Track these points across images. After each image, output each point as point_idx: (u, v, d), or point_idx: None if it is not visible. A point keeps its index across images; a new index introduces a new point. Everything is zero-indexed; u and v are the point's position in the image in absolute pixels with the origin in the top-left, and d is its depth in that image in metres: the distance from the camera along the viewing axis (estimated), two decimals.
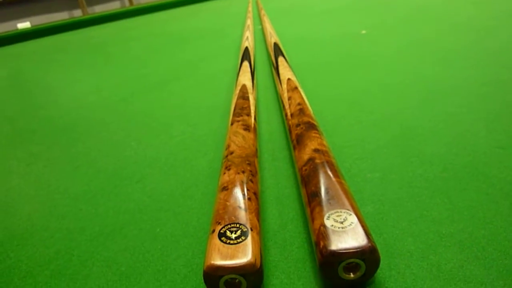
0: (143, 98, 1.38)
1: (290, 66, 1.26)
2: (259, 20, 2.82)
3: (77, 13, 6.32)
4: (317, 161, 0.64)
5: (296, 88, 1.02)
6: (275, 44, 1.60)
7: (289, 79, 1.10)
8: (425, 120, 0.91)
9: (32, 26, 4.48)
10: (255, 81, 1.21)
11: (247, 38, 1.83)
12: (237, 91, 1.06)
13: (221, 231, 0.51)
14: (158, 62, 1.96)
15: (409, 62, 1.38)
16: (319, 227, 0.50)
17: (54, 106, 1.44)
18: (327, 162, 0.63)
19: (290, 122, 0.84)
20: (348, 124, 0.94)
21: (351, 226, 0.49)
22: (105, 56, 2.36)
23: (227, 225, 0.52)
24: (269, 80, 1.36)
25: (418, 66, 1.30)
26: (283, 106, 0.96)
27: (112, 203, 0.75)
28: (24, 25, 4.57)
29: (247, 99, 0.99)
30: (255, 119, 0.90)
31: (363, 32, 1.88)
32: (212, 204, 0.58)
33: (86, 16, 4.84)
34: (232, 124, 0.85)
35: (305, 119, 0.82)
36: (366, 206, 0.63)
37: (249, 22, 2.42)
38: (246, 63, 1.35)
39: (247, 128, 0.82)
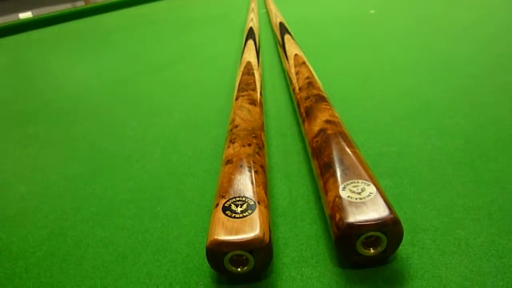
0: (145, 80, 1.33)
1: (297, 44, 1.20)
2: (263, 4, 2.75)
3: (80, 4, 6.28)
4: (329, 132, 0.59)
5: (304, 63, 0.97)
6: (281, 24, 1.54)
7: (296, 54, 1.05)
8: (441, 93, 0.86)
9: (33, 16, 4.43)
10: (260, 58, 1.15)
11: (252, 19, 1.77)
12: (242, 68, 1.00)
13: (226, 205, 0.46)
14: (161, 46, 1.90)
15: (420, 38, 1.31)
16: (334, 199, 0.45)
17: (54, 90, 1.40)
18: (340, 132, 0.58)
19: (298, 96, 0.79)
20: (360, 100, 0.89)
21: (369, 197, 0.44)
22: (108, 42, 2.31)
23: (232, 198, 0.47)
24: (275, 58, 1.31)
25: (430, 42, 1.24)
26: (290, 81, 0.90)
27: (110, 183, 0.71)
28: (25, 15, 4.53)
29: (252, 75, 0.94)
30: (260, 94, 0.84)
31: (372, 11, 1.80)
32: (216, 181, 0.54)
33: (89, 5, 4.79)
34: (237, 99, 0.80)
35: (314, 91, 0.76)
36: (383, 180, 0.58)
37: (253, 5, 2.35)
38: (251, 42, 1.29)
39: (252, 102, 0.77)
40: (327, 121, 0.62)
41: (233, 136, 0.63)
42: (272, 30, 1.67)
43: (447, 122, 0.73)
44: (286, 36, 1.29)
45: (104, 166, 0.77)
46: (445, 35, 1.28)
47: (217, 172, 0.68)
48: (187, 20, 2.65)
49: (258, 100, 0.80)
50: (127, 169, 0.74)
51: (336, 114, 0.66)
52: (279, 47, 1.29)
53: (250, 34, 1.44)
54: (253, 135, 0.63)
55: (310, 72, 0.89)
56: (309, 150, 0.60)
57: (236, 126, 0.66)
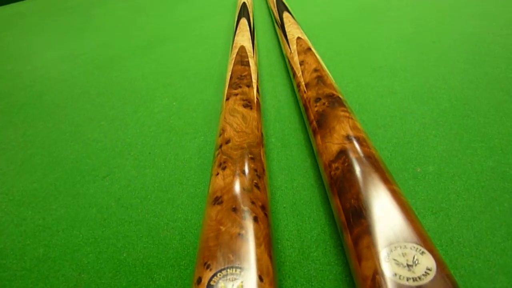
0: (122, 65, 1.14)
1: (298, 23, 1.02)
2: None
3: None
4: (354, 155, 0.43)
5: (309, 49, 0.79)
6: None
7: (299, 38, 0.87)
8: (481, 89, 0.70)
9: None
10: (255, 42, 0.97)
11: None
12: (234, 55, 0.83)
13: (212, 282, 0.31)
14: (144, 23, 1.70)
15: (446, 17, 1.13)
16: (373, 276, 0.30)
17: (15, 77, 1.21)
18: (369, 157, 0.43)
19: (305, 96, 0.62)
20: (378, 96, 0.73)
21: (428, 277, 0.29)
22: (85, 18, 2.08)
23: (221, 270, 0.32)
24: (273, 40, 1.13)
25: (457, 22, 1.07)
26: (294, 73, 0.74)
27: (66, 209, 0.55)
28: None
29: (247, 64, 0.77)
30: (258, 91, 0.68)
31: None
32: (202, 215, 0.38)
33: None
34: (227, 98, 0.63)
35: (327, 90, 0.60)
36: (423, 218, 0.43)
37: None
38: (244, 21, 1.11)
39: (248, 104, 0.60)
40: (349, 138, 0.46)
41: (224, 158, 0.47)
42: (268, 6, 1.47)
43: (495, 131, 0.57)
44: (285, 14, 1.11)
45: (62, 184, 0.61)
46: (472, 13, 1.11)
47: (203, 200, 0.53)
48: None
49: (255, 100, 0.63)
50: (90, 190, 0.59)
51: (360, 125, 0.50)
52: (277, 27, 1.11)
53: (243, 11, 1.25)
54: (250, 155, 0.47)
55: (318, 62, 0.72)
56: (326, 178, 0.45)
57: (228, 141, 0.50)
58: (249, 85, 0.67)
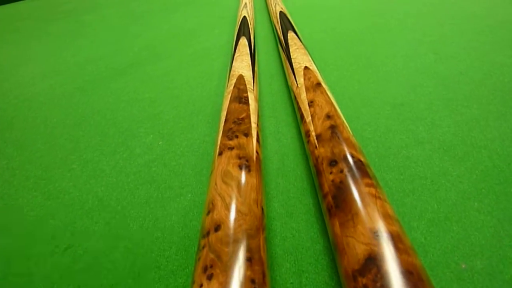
0: (107, 87, 1.02)
1: (305, 46, 0.90)
2: None
3: None
4: (386, 266, 0.31)
5: (319, 84, 0.67)
6: (282, 14, 1.23)
7: (307, 68, 0.75)
8: None
9: None
10: (256, 69, 0.85)
11: (245, 5, 1.45)
12: (231, 87, 0.71)
13: None
14: (136, 34, 1.57)
15: (471, 41, 1.01)
16: None
17: None
18: (409, 272, 0.30)
19: (316, 153, 0.50)
20: (402, 146, 0.61)
21: None
22: (76, 25, 1.95)
23: None
24: (277, 64, 1.01)
25: (486, 49, 0.95)
26: (302, 115, 0.62)
27: None
28: None
29: (246, 101, 0.65)
30: (258, 140, 0.56)
31: None
32: None
33: None
34: (220, 153, 0.51)
35: (344, 149, 0.48)
36: None
37: None
38: (243, 41, 0.99)
39: (246, 163, 0.48)
40: (380, 235, 0.34)
41: (211, 257, 0.35)
42: (271, 22, 1.35)
43: None
44: (290, 35, 0.99)
45: (11, 255, 0.49)
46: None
47: None
48: (168, 1, 2.30)
49: (255, 155, 0.51)
50: (45, 268, 0.46)
51: (391, 210, 0.38)
52: (281, 50, 0.98)
53: (243, 28, 1.13)
54: (247, 254, 0.35)
55: (331, 104, 0.60)
56: None
57: (218, 227, 0.38)
58: (248, 134, 0.55)
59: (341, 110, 0.62)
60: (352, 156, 0.47)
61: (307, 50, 0.88)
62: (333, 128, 0.53)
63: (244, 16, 1.26)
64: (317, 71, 0.75)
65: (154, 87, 0.97)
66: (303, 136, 0.60)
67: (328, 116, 0.57)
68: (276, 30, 1.11)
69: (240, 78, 0.76)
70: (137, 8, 2.12)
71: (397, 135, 0.63)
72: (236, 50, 0.93)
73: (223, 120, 0.61)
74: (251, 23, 1.20)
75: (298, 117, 0.65)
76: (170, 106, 0.85)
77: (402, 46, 1.01)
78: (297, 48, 0.88)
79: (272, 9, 1.36)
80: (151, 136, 0.74)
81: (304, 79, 0.71)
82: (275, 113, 0.76)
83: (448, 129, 0.64)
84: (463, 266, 0.40)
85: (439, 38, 1.03)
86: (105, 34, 1.61)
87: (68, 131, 0.81)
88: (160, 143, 0.71)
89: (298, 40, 0.94)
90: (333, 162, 0.46)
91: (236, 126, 0.58)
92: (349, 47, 1.05)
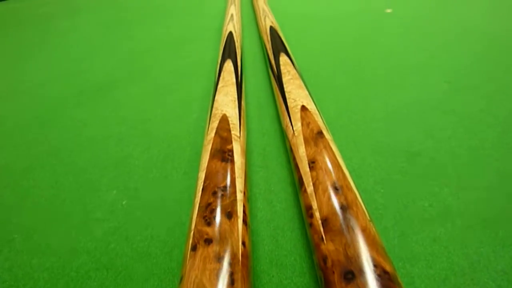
0: (68, 118, 0.87)
1: (299, 75, 0.77)
2: None
3: None
4: None
5: (321, 134, 0.55)
6: (272, 30, 1.09)
7: (304, 108, 0.62)
8: None
9: None
10: (243, 104, 0.72)
11: (232, 17, 1.32)
12: (212, 135, 0.58)
13: None
14: (111, 47, 1.42)
15: (469, 54, 0.90)
16: None
17: None
18: None
19: (324, 249, 0.38)
20: (429, 231, 0.48)
21: None
22: (47, 33, 1.78)
23: None
24: (267, 95, 0.87)
25: (497, 70, 0.84)
26: (300, 180, 0.49)
27: None
28: None
29: (230, 158, 0.52)
30: (245, 222, 0.42)
31: (388, 11, 1.37)
32: None
33: None
34: (194, 247, 0.38)
35: (365, 252, 0.35)
36: None
37: None
38: (229, 65, 0.86)
39: (229, 273, 0.35)
40: None
41: None
42: (261, 39, 1.21)
43: None
44: (282, 59, 0.86)
45: None
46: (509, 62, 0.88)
47: None
48: (147, 8, 2.14)
49: (240, 251, 0.38)
50: None
51: None
52: (272, 78, 0.85)
53: (229, 47, 0.99)
54: None
55: (339, 167, 0.47)
56: None
57: None
58: (231, 213, 0.42)
59: (344, 159, 0.50)
60: (375, 265, 0.34)
61: (303, 80, 0.75)
62: (344, 210, 0.40)
63: (230, 32, 1.12)
64: (317, 112, 0.62)
65: (124, 118, 0.82)
66: (303, 210, 0.46)
67: (336, 188, 0.44)
68: (267, 51, 0.98)
69: (224, 119, 0.63)
70: (117, 15, 1.97)
71: (418, 201, 0.51)
72: (220, 79, 0.79)
73: (200, 188, 0.47)
74: (238, 41, 1.07)
75: (295, 180, 0.52)
76: (140, 148, 0.71)
77: (410, 72, 0.89)
78: (291, 78, 0.75)
79: (262, 23, 1.22)
80: (115, 191, 0.60)
81: (302, 124, 0.58)
82: (265, 161, 0.63)
83: (478, 193, 0.51)
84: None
85: (449, 61, 0.92)
86: (78, 45, 1.45)
87: (14, 180, 0.67)
88: (124, 203, 0.58)
89: (292, 67, 0.81)
90: (349, 275, 0.33)
91: (217, 199, 0.44)
92: (348, 72, 0.92)
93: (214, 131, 0.60)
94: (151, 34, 1.49)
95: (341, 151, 0.60)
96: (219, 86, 0.76)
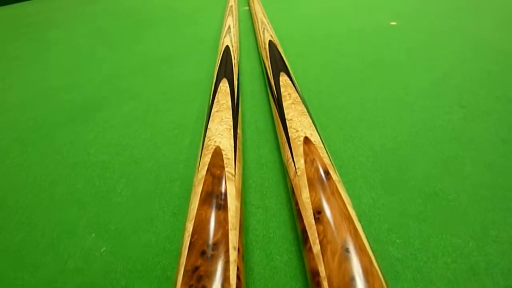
0: (50, 141, 0.81)
1: (301, 99, 0.71)
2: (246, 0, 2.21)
3: None
4: None
5: (328, 175, 0.48)
6: (271, 45, 1.03)
7: (307, 140, 0.56)
8: None
9: None
10: (239, 133, 0.65)
11: (229, 29, 1.25)
12: (203, 173, 0.51)
13: None
14: (100, 60, 1.35)
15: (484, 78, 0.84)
16: None
17: None
18: None
19: None
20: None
21: None
22: (34, 45, 1.71)
23: None
24: (265, 120, 0.80)
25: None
26: (304, 234, 0.42)
27: None
28: None
29: (223, 204, 0.45)
30: None
31: (393, 23, 1.31)
32: None
33: None
34: None
35: None
36: None
37: (232, 1, 1.81)
38: (224, 86, 0.79)
39: None
40: None
41: None
42: (259, 54, 1.15)
43: None
44: (283, 80, 0.79)
45: None
46: None
47: None
48: (140, 17, 2.08)
49: None
50: None
51: None
52: (271, 100, 0.78)
53: (225, 63, 0.93)
54: None
55: (351, 221, 0.41)
56: None
57: None
58: (223, 283, 0.35)
59: (353, 198, 0.43)
60: None
61: (305, 105, 0.68)
62: (358, 281, 0.33)
63: (227, 46, 1.06)
64: (321, 145, 0.55)
65: (109, 144, 0.75)
66: (308, 274, 0.39)
67: (347, 251, 0.37)
68: (266, 69, 0.91)
69: (217, 153, 0.56)
70: (107, 25, 1.91)
71: (439, 256, 0.44)
72: (214, 102, 0.72)
73: (187, 244, 0.40)
74: (235, 56, 1.00)
75: (298, 230, 0.45)
76: (125, 179, 0.64)
77: (419, 93, 0.82)
78: (293, 103, 0.68)
79: (260, 37, 1.16)
80: (93, 234, 0.53)
81: (306, 161, 0.51)
82: (264, 200, 0.56)
83: (508, 247, 0.44)
84: None
85: (462, 82, 0.85)
86: (66, 58, 1.39)
87: None
88: (103, 250, 0.50)
89: (293, 89, 0.74)
90: None
91: (206, 262, 0.37)
92: (352, 93, 0.86)
93: (206, 167, 0.53)
94: (143, 46, 1.42)
95: (349, 188, 0.54)
96: (213, 111, 0.69)
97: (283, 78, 0.80)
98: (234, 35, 1.19)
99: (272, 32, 1.15)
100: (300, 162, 0.52)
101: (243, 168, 0.62)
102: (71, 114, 0.90)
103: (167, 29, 1.66)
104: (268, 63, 0.92)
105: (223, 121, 0.65)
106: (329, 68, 1.00)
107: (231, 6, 1.66)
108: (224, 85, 0.80)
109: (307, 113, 0.66)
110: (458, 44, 1.08)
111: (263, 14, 1.38)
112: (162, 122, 0.82)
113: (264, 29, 1.20)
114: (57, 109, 0.94)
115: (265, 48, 1.03)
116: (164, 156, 0.70)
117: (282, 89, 0.75)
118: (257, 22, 1.30)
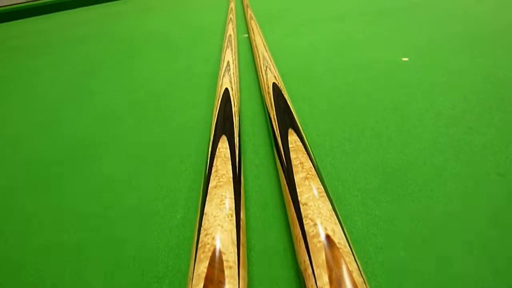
0: (12, 208, 0.68)
1: (317, 169, 0.59)
2: (244, 22, 2.12)
3: None
4: None
5: (351, 278, 0.35)
6: (276, 90, 0.92)
7: (329, 240, 0.44)
8: None
9: None
10: (243, 217, 0.53)
11: (228, 66, 1.14)
12: (199, 282, 0.39)
13: None
14: (83, 99, 1.24)
15: None
16: None
17: None
18: None
19: None
20: None
21: None
22: (12, 75, 1.60)
23: None
24: (273, 195, 0.68)
25: None
26: None
27: None
28: None
29: None
30: None
31: (405, 59, 1.22)
32: None
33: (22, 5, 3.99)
34: None
35: None
36: None
37: (231, 29, 1.72)
38: (223, 147, 0.68)
39: None
40: None
41: None
42: (262, 99, 1.04)
43: None
44: (292, 140, 0.68)
45: None
46: None
47: None
48: (128, 44, 1.98)
49: None
50: None
51: None
52: (279, 168, 0.66)
53: (223, 113, 0.82)
54: None
55: None
56: None
57: None
58: None
59: None
60: None
61: (322, 181, 0.57)
62: None
63: (226, 90, 0.95)
64: (348, 248, 0.44)
65: (85, 215, 0.63)
66: None
67: None
68: (270, 123, 0.79)
69: (217, 257, 0.44)
70: (96, 51, 1.80)
71: None
72: (212, 172, 0.61)
73: None
74: (235, 103, 0.89)
75: None
76: (101, 273, 0.51)
77: (445, 154, 0.71)
78: (307, 177, 0.57)
79: (262, 77, 1.05)
80: None
81: (331, 280, 0.39)
82: None
83: None
84: None
85: (494, 140, 0.74)
86: (46, 93, 1.27)
87: None
88: None
89: (306, 156, 0.62)
90: None
91: None
92: (369, 152, 0.74)
93: (201, 284, 0.40)
94: (133, 79, 1.31)
95: None
96: (210, 185, 0.57)
97: (293, 138, 0.68)
98: (233, 73, 1.08)
99: (275, 72, 1.04)
100: (323, 279, 0.40)
101: (248, 276, 0.50)
102: (39, 173, 0.78)
103: (161, 58, 1.56)
104: (273, 114, 0.81)
105: (223, 203, 0.54)
106: (339, 115, 0.89)
107: (230, 35, 1.57)
108: (223, 145, 0.68)
109: (325, 194, 0.54)
110: (479, 85, 0.97)
111: (265, 47, 1.28)
112: (149, 185, 0.70)
113: (266, 67, 1.09)
114: (20, 168, 0.82)
115: (268, 92, 0.92)
116: (149, 236, 0.58)
117: (292, 155, 0.63)
118: (259, 57, 1.20)
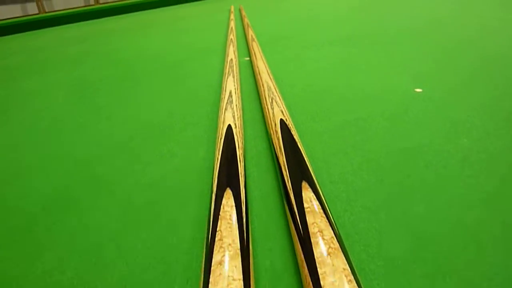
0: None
1: (339, 239, 0.50)
2: (245, 43, 2.06)
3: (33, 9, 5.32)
4: None
5: None
6: (284, 128, 0.84)
7: None
8: None
9: None
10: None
11: (230, 96, 1.06)
12: None
13: None
14: (74, 132, 1.15)
15: None
16: None
17: None
18: None
19: None
20: None
21: None
22: (1, 100, 1.52)
23: None
24: (286, 266, 0.59)
25: None
26: None
27: None
28: None
29: None
30: None
31: (418, 90, 1.14)
32: None
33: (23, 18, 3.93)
34: None
35: None
36: None
37: (232, 52, 1.64)
38: (228, 201, 0.59)
39: None
40: None
41: None
42: (268, 136, 0.95)
43: None
44: (307, 198, 0.59)
45: None
46: None
47: None
48: (124, 70, 1.90)
49: None
50: None
51: None
52: (294, 234, 0.57)
53: (226, 156, 0.73)
54: None
55: None
56: None
57: None
58: None
59: None
60: None
61: (346, 255, 0.48)
62: None
63: (229, 127, 0.86)
64: None
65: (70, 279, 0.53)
66: None
67: None
68: (280, 171, 0.70)
69: None
70: (92, 74, 1.71)
71: None
72: (216, 239, 0.52)
73: None
74: (240, 145, 0.80)
75: None
76: None
77: (479, 214, 0.62)
78: (328, 251, 0.47)
79: (268, 111, 0.97)
80: None
81: None
82: None
83: None
84: None
85: None
86: (36, 120, 1.18)
87: None
88: None
89: (326, 221, 0.54)
90: None
91: None
92: (391, 206, 0.65)
93: None
94: (130, 108, 1.23)
95: None
96: (214, 260, 0.48)
97: (308, 195, 0.59)
98: (236, 106, 1.00)
99: (282, 106, 0.96)
100: None
101: None
102: (24, 222, 0.69)
103: (160, 84, 1.47)
104: (282, 160, 0.72)
105: (230, 277, 0.44)
106: (355, 157, 0.80)
107: (231, 59, 1.49)
108: (228, 202, 0.60)
109: (350, 273, 0.45)
110: (503, 125, 0.90)
111: (269, 75, 1.19)
112: (140, 252, 0.60)
113: (272, 99, 1.01)
114: (7, 213, 0.72)
115: (276, 131, 0.84)
116: None
117: (308, 219, 0.54)
118: (263, 87, 1.12)
